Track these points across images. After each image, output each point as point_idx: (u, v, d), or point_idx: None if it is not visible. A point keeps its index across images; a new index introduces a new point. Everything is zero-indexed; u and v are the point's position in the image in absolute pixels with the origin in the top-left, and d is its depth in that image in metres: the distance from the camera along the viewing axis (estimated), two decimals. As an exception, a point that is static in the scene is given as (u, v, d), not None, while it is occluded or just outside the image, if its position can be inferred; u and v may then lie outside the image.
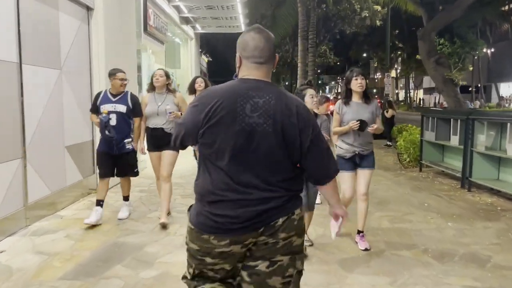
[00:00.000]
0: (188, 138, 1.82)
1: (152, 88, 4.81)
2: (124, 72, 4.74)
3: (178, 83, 12.83)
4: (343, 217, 2.00)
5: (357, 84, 3.98)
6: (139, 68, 8.80)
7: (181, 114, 4.51)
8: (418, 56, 39.01)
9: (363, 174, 4.09)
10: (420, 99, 53.99)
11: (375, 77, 63.61)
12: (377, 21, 21.77)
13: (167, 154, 4.70)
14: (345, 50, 59.68)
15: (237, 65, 1.86)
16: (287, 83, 39.62)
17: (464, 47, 35.36)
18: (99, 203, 4.69)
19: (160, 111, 4.63)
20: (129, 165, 4.82)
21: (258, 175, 1.73)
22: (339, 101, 4.14)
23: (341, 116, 4.04)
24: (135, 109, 4.73)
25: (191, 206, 1.89)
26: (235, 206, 1.72)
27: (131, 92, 4.85)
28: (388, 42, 15.91)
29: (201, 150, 1.81)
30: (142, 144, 4.91)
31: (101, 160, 4.76)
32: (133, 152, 4.83)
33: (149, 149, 4.89)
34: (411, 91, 52.57)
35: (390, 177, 7.90)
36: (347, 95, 4.08)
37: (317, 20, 20.78)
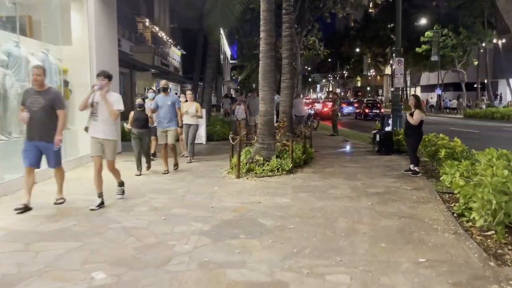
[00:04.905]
0: None
1: None
2: None
3: (66, 69, 8.34)
4: None
5: None
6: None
7: None
8: (417, 49, 35.03)
9: None
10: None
11: (369, 74, 60.20)
12: None
13: None
14: (337, 46, 56.31)
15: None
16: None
17: (471, 38, 31.38)
18: None
19: None
20: None
21: None
22: None
23: None
24: None
25: None
26: None
27: None
28: (399, 17, 11.79)
29: None
30: None
31: None
32: None
33: None
34: (408, 89, 48.88)
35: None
36: None
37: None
